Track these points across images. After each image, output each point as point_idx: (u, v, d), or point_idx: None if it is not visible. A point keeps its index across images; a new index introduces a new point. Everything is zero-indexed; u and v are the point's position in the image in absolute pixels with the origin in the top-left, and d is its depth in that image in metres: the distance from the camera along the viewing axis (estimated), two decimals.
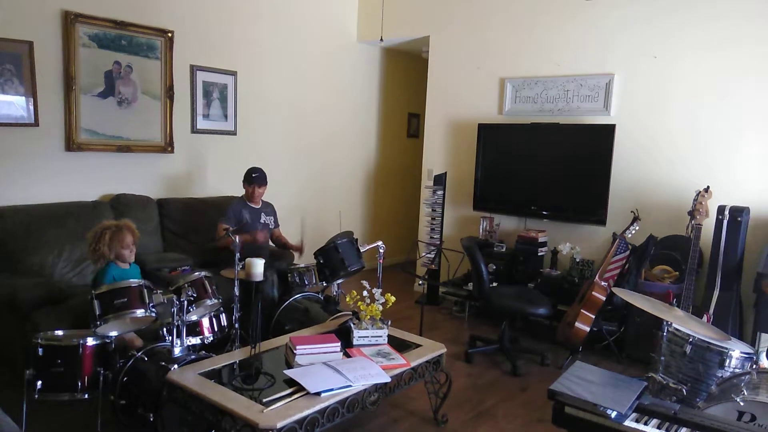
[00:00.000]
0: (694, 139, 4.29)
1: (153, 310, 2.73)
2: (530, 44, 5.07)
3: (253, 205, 4.28)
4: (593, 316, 4.02)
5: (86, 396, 2.63)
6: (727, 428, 1.81)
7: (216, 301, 3.02)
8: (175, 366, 2.64)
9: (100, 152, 4.28)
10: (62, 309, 3.28)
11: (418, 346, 3.05)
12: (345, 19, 6.18)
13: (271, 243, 4.45)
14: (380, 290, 3.08)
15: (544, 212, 4.92)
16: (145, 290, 2.72)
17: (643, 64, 4.48)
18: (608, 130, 4.52)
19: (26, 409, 2.57)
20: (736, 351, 2.60)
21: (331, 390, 2.39)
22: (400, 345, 3.02)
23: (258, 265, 2.85)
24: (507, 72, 5.22)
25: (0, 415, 1.95)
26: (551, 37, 4.94)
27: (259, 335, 2.83)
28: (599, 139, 4.57)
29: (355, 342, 2.94)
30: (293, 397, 2.33)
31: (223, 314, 3.23)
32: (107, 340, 2.70)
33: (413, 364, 2.81)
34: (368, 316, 3.00)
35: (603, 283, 4.05)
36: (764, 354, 2.74)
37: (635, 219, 4.14)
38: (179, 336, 2.83)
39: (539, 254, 4.84)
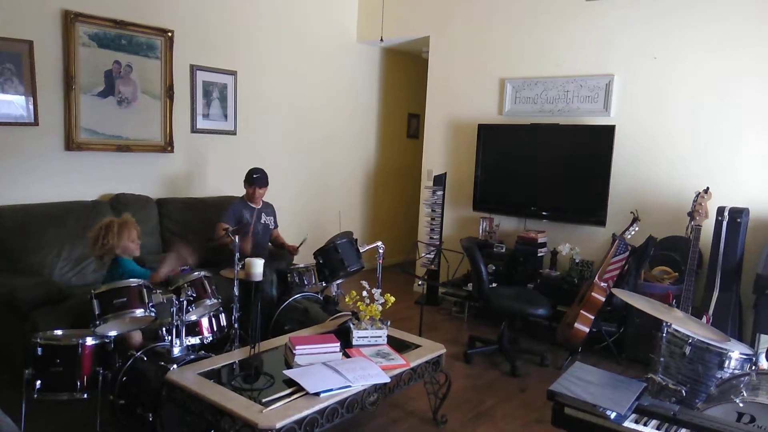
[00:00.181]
0: (693, 140, 4.29)
1: (152, 309, 2.73)
2: (530, 45, 5.07)
3: (253, 206, 4.28)
4: (593, 317, 4.02)
5: (85, 396, 2.63)
6: (726, 429, 1.81)
7: (215, 301, 3.02)
8: (175, 366, 2.64)
9: (99, 152, 4.28)
10: (61, 309, 3.28)
11: (417, 346, 3.05)
12: (345, 19, 6.18)
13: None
14: (380, 290, 3.08)
15: (544, 213, 4.92)
16: (145, 290, 2.72)
17: (643, 65, 4.48)
18: (608, 131, 4.52)
19: (25, 409, 2.57)
20: (736, 352, 2.60)
21: (331, 390, 2.39)
22: (399, 345, 3.02)
23: (257, 265, 2.86)
24: (507, 72, 5.22)
25: None
26: (551, 37, 4.94)
27: (258, 335, 2.83)
28: (599, 140, 4.57)
29: (354, 342, 2.93)
30: (292, 398, 2.32)
31: (223, 314, 3.22)
32: (106, 340, 2.70)
33: (412, 364, 2.80)
34: (368, 317, 3.00)
35: (602, 284, 4.05)
36: (763, 355, 2.74)
37: (635, 220, 4.14)
38: (178, 336, 2.83)
39: (539, 255, 4.84)
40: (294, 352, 2.65)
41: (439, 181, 5.45)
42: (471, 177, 5.34)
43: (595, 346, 4.33)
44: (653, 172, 4.47)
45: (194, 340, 3.04)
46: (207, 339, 3.11)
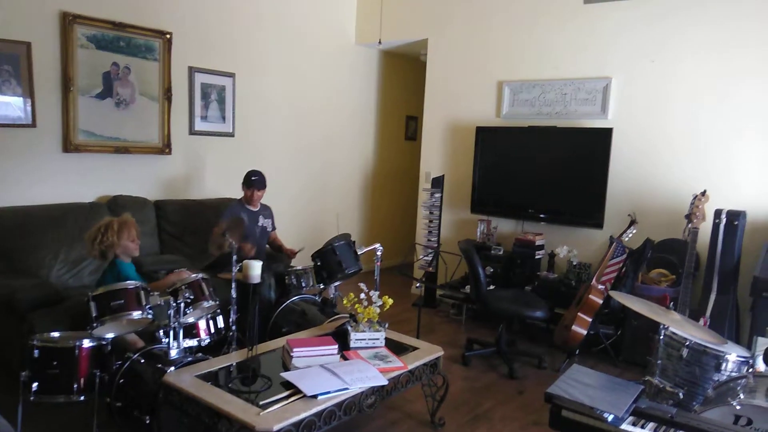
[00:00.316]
0: (690, 143, 4.30)
1: (150, 311, 2.72)
2: (528, 48, 5.08)
3: (251, 208, 4.28)
4: (590, 320, 4.02)
5: (82, 398, 2.62)
6: None
7: (213, 303, 3.02)
8: (172, 368, 2.64)
9: (97, 153, 4.28)
10: (59, 310, 3.27)
11: (415, 348, 3.05)
12: (343, 22, 6.19)
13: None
14: (377, 293, 3.09)
15: (542, 215, 4.92)
16: (142, 292, 2.72)
17: (641, 68, 4.49)
18: (605, 134, 4.53)
19: (22, 411, 2.56)
20: (733, 355, 2.60)
21: (328, 393, 2.39)
22: (397, 348, 3.02)
23: (255, 268, 2.86)
24: (505, 75, 5.23)
25: None
26: (549, 40, 4.96)
27: (256, 337, 2.83)
28: (596, 143, 4.58)
29: (352, 344, 2.93)
30: (290, 400, 2.32)
31: (220, 316, 3.22)
32: (103, 342, 2.69)
33: (410, 366, 2.81)
34: (365, 319, 3.00)
35: (600, 287, 4.05)
36: (761, 358, 2.74)
37: (632, 222, 4.15)
38: (176, 338, 2.83)
39: (536, 257, 4.84)
40: (291, 354, 2.65)
41: (437, 183, 5.45)
42: (469, 179, 5.35)
43: (593, 348, 4.33)
44: (650, 174, 4.48)
45: (191, 343, 3.03)
46: (204, 341, 3.10)
